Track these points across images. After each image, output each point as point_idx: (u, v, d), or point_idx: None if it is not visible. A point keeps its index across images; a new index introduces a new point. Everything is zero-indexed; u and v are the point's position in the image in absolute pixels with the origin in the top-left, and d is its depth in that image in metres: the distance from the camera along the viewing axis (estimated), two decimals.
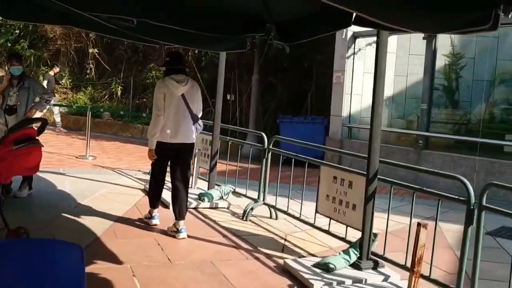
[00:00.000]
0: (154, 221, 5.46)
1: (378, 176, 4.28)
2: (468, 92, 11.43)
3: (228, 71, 14.15)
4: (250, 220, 5.94)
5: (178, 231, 5.06)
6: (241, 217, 6.00)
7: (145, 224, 5.42)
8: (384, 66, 4.21)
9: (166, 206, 6.19)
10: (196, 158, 7.12)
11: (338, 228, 4.91)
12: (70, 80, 18.07)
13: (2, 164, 3.92)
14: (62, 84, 17.97)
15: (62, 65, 18.48)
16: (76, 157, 9.69)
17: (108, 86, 17.24)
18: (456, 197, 3.75)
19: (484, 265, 3.80)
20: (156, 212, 5.50)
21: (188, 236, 5.09)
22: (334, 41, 11.23)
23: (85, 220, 5.35)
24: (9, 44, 18.97)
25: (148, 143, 5.10)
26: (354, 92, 10.98)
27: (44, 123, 4.50)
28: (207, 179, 6.86)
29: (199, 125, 5.29)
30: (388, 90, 11.51)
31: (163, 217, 5.52)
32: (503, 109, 11.02)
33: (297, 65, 13.22)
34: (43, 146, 4.40)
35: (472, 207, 3.53)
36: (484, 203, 3.45)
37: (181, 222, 5.09)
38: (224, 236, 5.25)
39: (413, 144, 9.70)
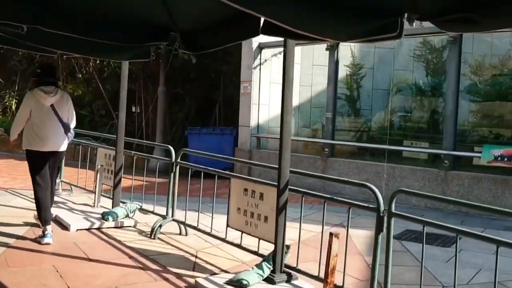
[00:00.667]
0: (46, 240, 5.15)
1: (289, 187, 4.21)
2: (369, 101, 11.94)
3: (132, 82, 13.70)
4: (159, 238, 5.65)
5: (43, 236, 5.17)
6: (149, 236, 5.69)
7: (41, 247, 4.95)
8: (292, 75, 4.16)
9: (65, 227, 5.74)
10: (98, 175, 6.69)
11: (251, 241, 4.78)
12: None
13: None
14: None
15: None
16: None
17: (1, 100, 15.97)
18: (366, 205, 3.77)
19: (393, 270, 3.85)
20: (48, 229, 5.24)
21: (90, 260, 4.71)
22: (240, 51, 11.23)
23: None
24: None
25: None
26: (262, 102, 11.02)
27: None
28: (111, 197, 6.45)
29: (71, 133, 5.58)
30: (294, 100, 11.68)
31: (60, 239, 5.08)
32: (400, 116, 11.62)
33: (204, 75, 13.07)
34: None
35: (381, 214, 3.55)
36: (393, 209, 3.49)
37: (48, 227, 5.22)
38: (131, 257, 4.92)
39: (320, 152, 9.90)
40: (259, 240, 4.62)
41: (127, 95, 13.86)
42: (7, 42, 4.45)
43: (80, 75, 15.53)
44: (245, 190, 4.75)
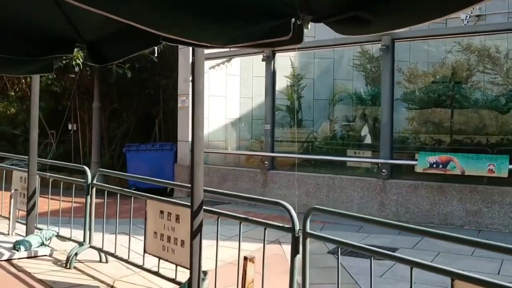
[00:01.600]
0: None
1: (204, 207, 3.88)
2: (310, 111, 11.82)
3: (67, 98, 13.10)
4: (75, 267, 5.18)
5: None
6: (64, 265, 5.21)
7: None
8: (202, 86, 3.85)
9: None
10: (12, 200, 6.16)
11: (172, 267, 4.40)
12: None
13: None
14: None
15: None
16: None
17: None
18: (281, 224, 3.48)
19: None
20: None
21: None
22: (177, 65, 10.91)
23: None
24: None
25: None
26: None
27: None
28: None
29: None
30: (235, 112, 11.46)
31: None
32: (343, 125, 11.55)
33: (142, 90, 12.62)
34: None
35: (297, 235, 3.27)
36: (308, 229, 3.21)
37: None
38: None
39: (260, 166, 9.63)
40: (176, 267, 4.26)
41: (62, 112, 13.47)
42: None
43: (12, 93, 14.73)
44: (161, 212, 4.40)
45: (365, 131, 10.88)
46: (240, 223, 3.79)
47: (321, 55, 11.57)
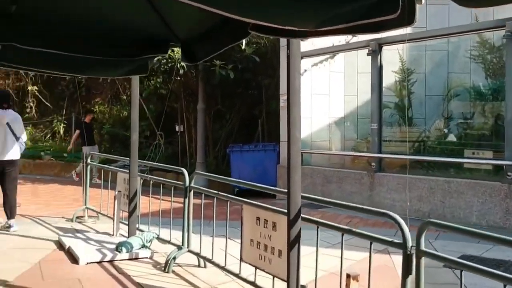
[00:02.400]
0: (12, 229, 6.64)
1: (302, 215, 3.51)
2: (422, 108, 10.95)
3: (174, 100, 13.45)
4: (173, 271, 5.08)
5: (9, 227, 6.64)
6: (163, 269, 5.13)
7: (39, 285, 4.51)
8: (298, 82, 3.48)
9: (75, 260, 5.30)
10: (116, 201, 6.26)
11: (268, 276, 4.09)
12: None
13: None
14: None
15: None
16: None
17: (50, 125, 16.22)
18: (390, 239, 3.00)
19: None
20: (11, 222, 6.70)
21: None
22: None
23: None
24: None
25: None
26: (303, 115, 10.28)
27: None
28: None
29: (22, 144, 6.95)
30: (339, 111, 10.95)
31: (65, 274, 4.61)
32: (459, 123, 10.53)
33: (244, 90, 12.56)
34: None
35: (409, 253, 2.78)
36: (422, 246, 2.71)
37: (12, 220, 6.69)
38: None
39: (367, 167, 9.05)
40: (273, 278, 3.94)
41: (170, 114, 13.84)
42: None
43: (124, 97, 15.48)
44: (257, 219, 4.10)
45: (486, 129, 9.80)
46: (343, 234, 3.37)
47: (433, 47, 10.66)
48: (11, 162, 6.76)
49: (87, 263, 5.26)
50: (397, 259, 5.48)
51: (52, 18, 3.75)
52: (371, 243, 3.14)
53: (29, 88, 16.64)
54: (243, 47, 11.30)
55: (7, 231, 6.62)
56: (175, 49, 7.96)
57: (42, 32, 3.77)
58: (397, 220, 2.86)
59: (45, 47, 3.77)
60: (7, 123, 6.74)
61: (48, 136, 16.16)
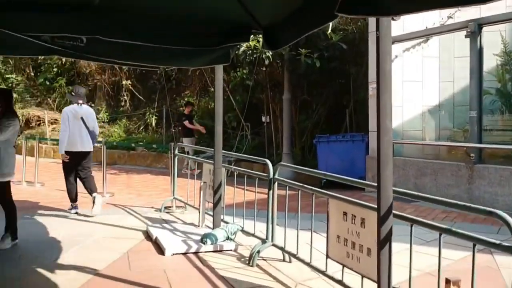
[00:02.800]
0: (73, 211, 7.40)
1: (393, 212, 3.21)
2: None
3: (260, 91, 13.40)
4: (258, 265, 4.96)
5: (94, 201, 7.23)
6: (247, 262, 5.03)
7: (127, 276, 4.57)
8: (389, 66, 3.17)
9: (162, 251, 5.35)
10: (202, 192, 6.26)
11: (357, 275, 3.83)
12: (107, 114, 17.86)
13: None
14: (100, 118, 17.81)
15: (98, 100, 18.39)
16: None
17: (143, 117, 16.86)
18: (498, 242, 2.63)
19: None
20: (75, 204, 7.46)
21: None
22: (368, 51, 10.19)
23: (58, 277, 4.55)
24: (48, 83, 19.16)
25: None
26: (394, 104, 9.68)
27: None
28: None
29: (95, 137, 7.64)
30: (434, 99, 10.27)
31: (152, 265, 4.64)
32: None
33: (331, 80, 12.19)
34: None
35: None
36: None
37: (94, 194, 7.33)
38: None
39: (465, 158, 8.39)
40: (362, 278, 3.67)
41: (256, 105, 13.81)
42: (67, 55, 4.13)
43: (212, 89, 15.67)
44: (345, 214, 3.85)
45: None
46: (440, 234, 3.02)
47: None
48: (87, 153, 7.45)
49: (173, 254, 5.29)
50: (501, 260, 4.99)
51: (133, 9, 3.73)
52: (474, 245, 2.78)
53: (123, 82, 17.39)
54: (329, 33, 10.95)
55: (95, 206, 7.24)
56: (260, 39, 7.85)
57: (124, 24, 3.77)
58: (507, 221, 2.48)
59: (127, 38, 3.77)
60: (81, 118, 7.39)
61: (141, 128, 16.81)
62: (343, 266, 3.90)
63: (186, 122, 12.86)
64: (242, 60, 11.43)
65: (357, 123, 12.16)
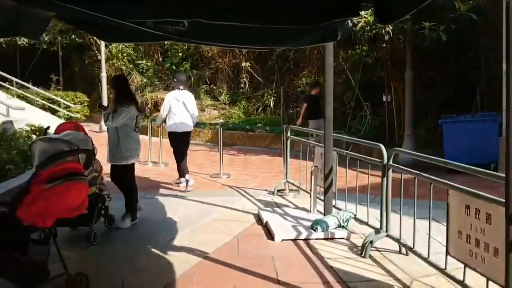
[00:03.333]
0: (181, 185, 8.07)
1: None
2: None
3: (380, 68, 12.71)
4: (370, 257, 4.65)
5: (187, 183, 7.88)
6: (360, 253, 4.75)
7: (235, 261, 4.54)
8: None
9: (271, 237, 5.26)
10: (313, 177, 6.05)
11: (481, 277, 3.38)
12: (227, 96, 18.32)
13: (34, 205, 3.42)
14: (221, 100, 18.34)
15: (220, 82, 18.91)
16: (210, 176, 9.31)
17: (261, 98, 17.00)
18: None
19: None
20: (183, 179, 8.05)
21: (278, 282, 4.08)
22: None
23: (169, 259, 4.67)
24: (174, 67, 20.13)
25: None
26: None
27: (90, 154, 3.93)
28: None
29: (194, 118, 8.24)
30: None
31: (261, 251, 4.58)
32: None
33: (459, 54, 11.15)
34: (86, 182, 3.80)
35: None
36: None
37: (182, 179, 8.07)
38: (325, 282, 4.08)
39: None
40: (487, 281, 3.22)
41: (377, 84, 13.15)
42: (168, 39, 4.11)
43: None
44: (467, 207, 3.40)
45: None
46: None
47: None
48: (188, 133, 8.17)
49: (282, 240, 5.18)
50: None
51: None
52: None
53: (243, 64, 17.65)
54: (456, 3, 9.97)
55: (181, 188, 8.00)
56: None
57: (226, 6, 3.64)
58: None
59: (229, 20, 3.64)
60: (183, 102, 8.06)
61: (260, 109, 16.98)
62: (465, 265, 3.46)
63: (304, 106, 12.29)
64: (360, 37, 10.87)
65: (489, 101, 11.02)
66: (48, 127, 7.64)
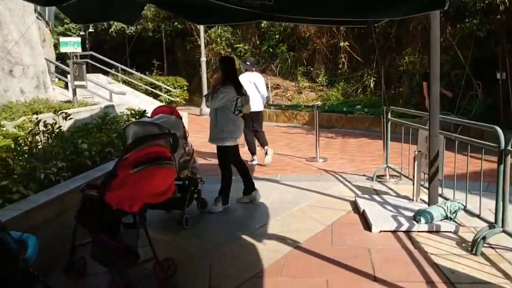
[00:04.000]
0: (254, 162, 8.57)
1: None
2: None
3: (494, 43, 11.52)
4: (483, 255, 4.11)
5: (267, 152, 8.55)
6: (469, 249, 4.22)
7: (328, 252, 4.24)
8: None
9: (368, 227, 4.88)
10: (416, 163, 5.53)
11: None
12: (325, 77, 17.81)
13: (121, 190, 3.35)
14: (319, 82, 17.88)
15: (317, 63, 18.45)
16: (306, 160, 9.02)
17: (361, 79, 16.29)
18: None
19: None
20: (254, 157, 8.61)
21: (375, 279, 3.72)
22: None
23: (259, 247, 4.47)
24: (271, 49, 19.99)
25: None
26: None
27: (175, 138, 3.78)
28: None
29: (264, 99, 8.79)
30: None
31: (356, 242, 4.24)
32: None
33: None
34: (172, 166, 3.66)
35: None
36: None
37: (266, 147, 8.57)
38: (429, 282, 3.64)
39: None
40: None
41: (490, 60, 11.94)
42: (257, 18, 3.83)
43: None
44: None
45: None
46: None
47: None
48: (259, 113, 8.59)
49: (380, 231, 4.77)
50: None
51: None
52: None
53: (341, 44, 17.01)
54: None
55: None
56: None
57: None
58: None
59: None
60: (254, 83, 8.47)
61: (359, 90, 16.29)
62: None
63: (424, 84, 11.45)
64: (470, 8, 9.88)
65: None
66: (145, 111, 7.78)
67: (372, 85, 15.75)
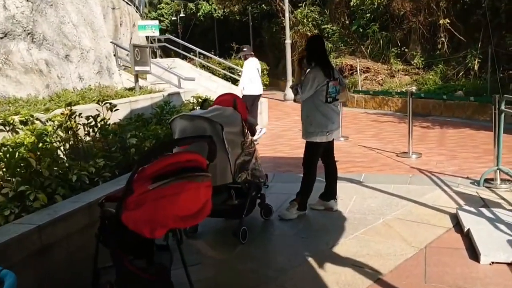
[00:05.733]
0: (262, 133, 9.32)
1: None
2: None
3: None
4: None
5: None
6: None
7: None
8: None
9: (475, 256, 3.71)
10: None
11: None
12: (422, 59, 16.10)
13: (139, 211, 2.54)
14: (414, 64, 16.24)
15: (412, 43, 16.78)
16: (397, 155, 7.81)
17: (463, 61, 14.45)
18: None
19: None
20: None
21: None
22: None
23: (328, 278, 3.49)
24: (361, 30, 18.57)
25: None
26: None
27: (211, 143, 2.86)
28: None
29: None
30: None
31: (455, 277, 3.15)
32: None
33: None
34: (208, 179, 2.73)
35: None
36: None
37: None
38: None
39: None
40: None
41: None
42: None
43: None
44: None
45: None
46: None
47: None
48: (261, 95, 9.53)
49: (492, 262, 3.59)
50: None
51: None
52: None
53: (441, 22, 15.20)
54: None
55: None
56: None
57: None
58: None
59: None
60: (257, 68, 9.35)
61: (460, 73, 14.47)
62: None
63: None
64: None
65: None
66: (206, 100, 7.00)
67: (476, 68, 13.88)
